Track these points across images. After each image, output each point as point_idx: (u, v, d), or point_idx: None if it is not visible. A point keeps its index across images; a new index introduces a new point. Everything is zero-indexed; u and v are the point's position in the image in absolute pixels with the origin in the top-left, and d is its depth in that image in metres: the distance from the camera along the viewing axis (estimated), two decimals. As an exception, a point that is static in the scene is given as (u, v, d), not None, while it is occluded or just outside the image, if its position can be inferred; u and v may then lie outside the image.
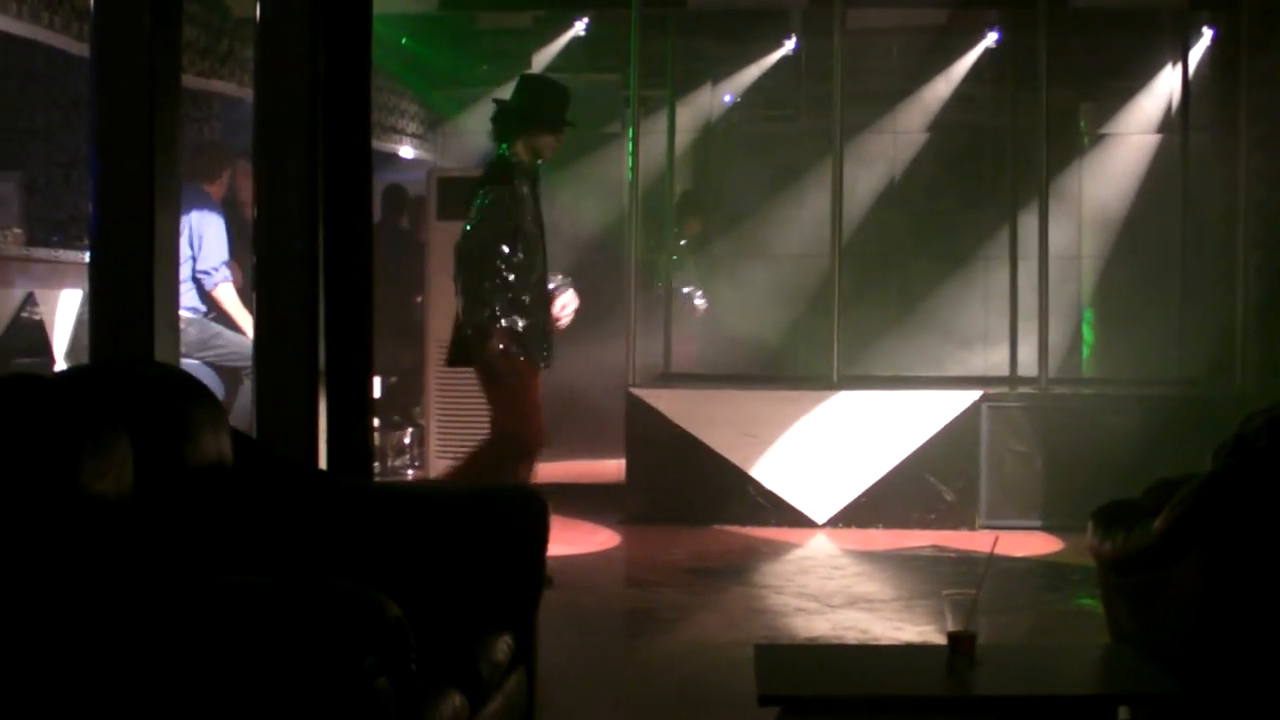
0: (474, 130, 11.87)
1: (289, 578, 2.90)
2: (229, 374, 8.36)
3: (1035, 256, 9.39)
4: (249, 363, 8.07)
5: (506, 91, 7.51)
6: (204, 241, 8.34)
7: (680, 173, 11.16)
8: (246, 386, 8.20)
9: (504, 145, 7.24)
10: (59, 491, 2.99)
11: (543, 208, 7.36)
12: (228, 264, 8.43)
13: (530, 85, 7.61)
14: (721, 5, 10.99)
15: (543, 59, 11.60)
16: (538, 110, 7.26)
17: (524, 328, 7.03)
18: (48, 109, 9.22)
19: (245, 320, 8.25)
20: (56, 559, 2.90)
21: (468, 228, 7.08)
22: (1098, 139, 12.16)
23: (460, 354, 7.19)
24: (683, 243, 11.70)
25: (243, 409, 7.70)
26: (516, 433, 7.13)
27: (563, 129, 7.30)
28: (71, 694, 2.76)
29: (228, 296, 8.39)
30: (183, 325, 6.10)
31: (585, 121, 11.36)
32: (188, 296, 8.08)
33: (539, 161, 7.33)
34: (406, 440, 10.41)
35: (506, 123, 7.27)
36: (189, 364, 7.41)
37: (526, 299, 7.07)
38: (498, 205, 7.05)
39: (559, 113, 7.28)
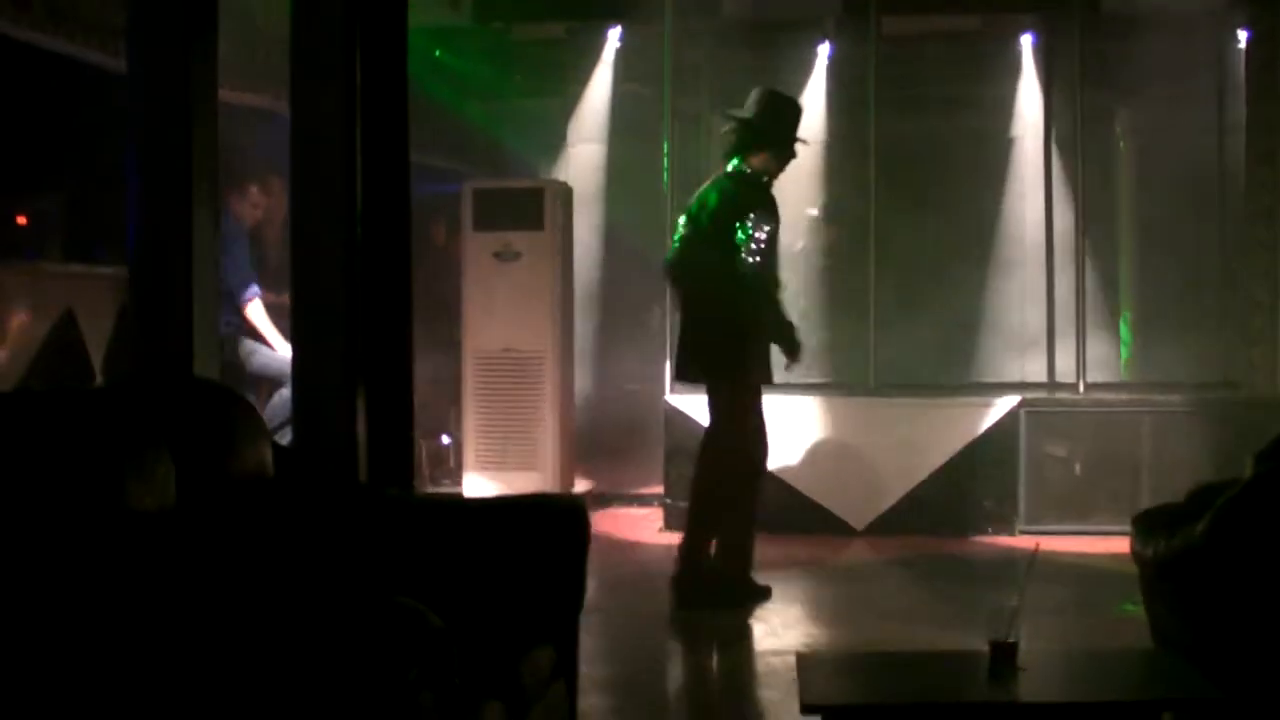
0: (509, 144, 11.89)
1: (332, 591, 2.91)
2: (263, 385, 8.31)
3: (1073, 261, 9.34)
4: (281, 375, 8.10)
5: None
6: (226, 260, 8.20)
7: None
8: (275, 398, 8.18)
9: (736, 159, 7.11)
10: (103, 507, 3.01)
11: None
12: (257, 280, 8.29)
13: (769, 102, 7.22)
14: (754, 15, 10.97)
15: (578, 71, 11.58)
16: (774, 128, 7.09)
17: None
18: (87, 127, 9.26)
19: (274, 337, 8.20)
20: (102, 574, 2.91)
21: (747, 258, 6.90)
22: (1134, 141, 12.09)
23: (698, 370, 7.20)
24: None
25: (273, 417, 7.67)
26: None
27: (794, 148, 7.16)
28: (116, 704, 2.78)
29: (257, 314, 8.24)
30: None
31: (622, 134, 11.42)
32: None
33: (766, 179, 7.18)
34: (444, 449, 10.40)
35: (741, 137, 7.11)
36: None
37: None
38: (775, 237, 7.00)
39: (793, 132, 7.13)
